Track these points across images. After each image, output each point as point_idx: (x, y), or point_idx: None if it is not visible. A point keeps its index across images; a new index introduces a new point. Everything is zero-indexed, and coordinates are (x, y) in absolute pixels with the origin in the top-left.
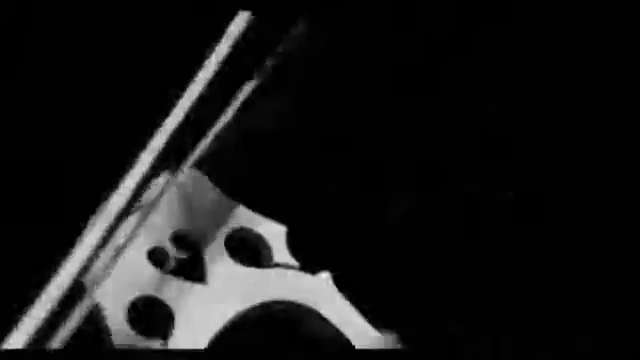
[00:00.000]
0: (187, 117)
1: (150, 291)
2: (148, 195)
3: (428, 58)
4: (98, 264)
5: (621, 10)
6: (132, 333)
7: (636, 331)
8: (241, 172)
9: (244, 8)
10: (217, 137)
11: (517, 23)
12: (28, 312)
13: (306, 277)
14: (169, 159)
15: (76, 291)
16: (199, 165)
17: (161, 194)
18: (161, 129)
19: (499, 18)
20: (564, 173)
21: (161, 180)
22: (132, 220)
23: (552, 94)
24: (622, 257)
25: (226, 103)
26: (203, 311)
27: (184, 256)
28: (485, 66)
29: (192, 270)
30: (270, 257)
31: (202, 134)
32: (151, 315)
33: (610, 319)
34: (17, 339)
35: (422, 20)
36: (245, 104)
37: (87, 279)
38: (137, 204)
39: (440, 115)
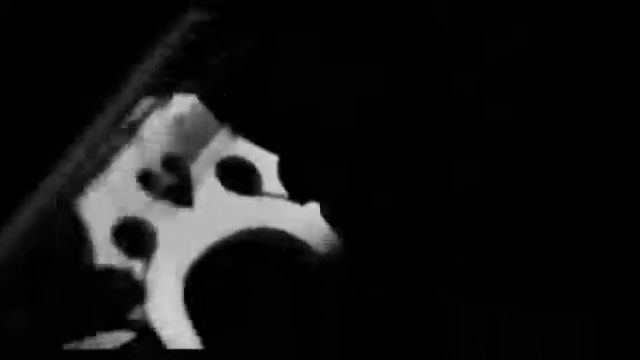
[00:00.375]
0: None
1: (137, 212)
2: (133, 117)
3: (428, 58)
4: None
5: (620, 10)
6: (115, 252)
7: (625, 308)
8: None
9: None
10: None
11: (517, 23)
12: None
13: (294, 207)
14: (156, 85)
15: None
16: None
17: (145, 117)
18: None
19: (499, 18)
20: (563, 173)
21: (146, 103)
22: (118, 138)
23: (552, 94)
24: (615, 247)
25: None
26: (187, 235)
27: (173, 180)
28: (485, 66)
29: (180, 194)
30: (260, 185)
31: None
32: (136, 236)
33: (602, 298)
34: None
35: (422, 20)
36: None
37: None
38: (122, 124)
39: (440, 115)
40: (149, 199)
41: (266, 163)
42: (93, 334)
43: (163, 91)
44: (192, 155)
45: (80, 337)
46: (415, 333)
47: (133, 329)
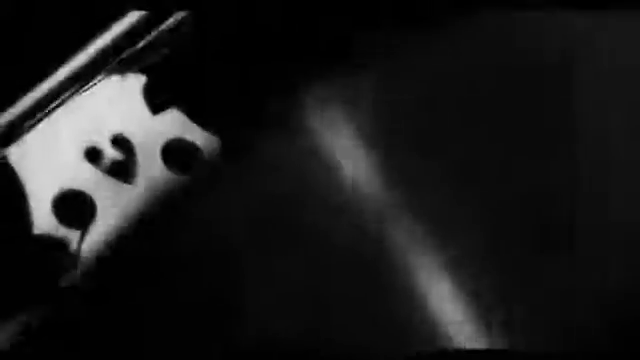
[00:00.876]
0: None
1: (80, 185)
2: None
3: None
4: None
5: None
6: (54, 221)
7: None
8: None
9: None
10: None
11: None
12: None
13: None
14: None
15: None
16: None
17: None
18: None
19: None
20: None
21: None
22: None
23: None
24: None
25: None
26: (123, 209)
27: (119, 158)
28: None
29: (125, 172)
30: (204, 168)
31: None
32: (76, 207)
33: None
34: None
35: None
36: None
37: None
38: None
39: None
40: (94, 174)
41: (210, 145)
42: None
43: (116, 69)
44: (140, 134)
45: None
46: None
47: (63, 295)
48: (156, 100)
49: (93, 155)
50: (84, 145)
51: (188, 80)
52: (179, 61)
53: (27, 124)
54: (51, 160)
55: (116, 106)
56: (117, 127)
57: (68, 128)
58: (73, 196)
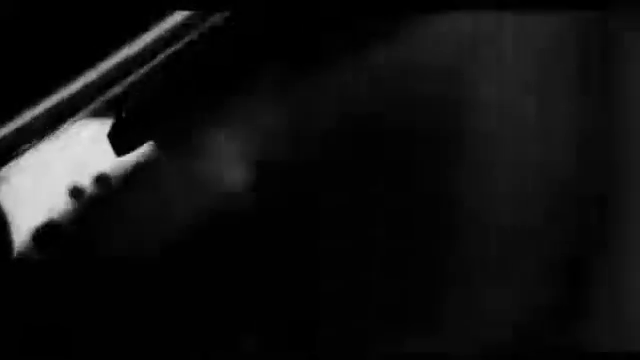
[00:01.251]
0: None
1: (60, 217)
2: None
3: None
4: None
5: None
6: (31, 247)
7: None
8: None
9: None
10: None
11: None
12: None
13: None
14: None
15: None
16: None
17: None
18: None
19: None
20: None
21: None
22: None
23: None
24: None
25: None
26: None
27: (99, 194)
28: None
29: (104, 206)
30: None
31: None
32: (55, 237)
33: None
34: None
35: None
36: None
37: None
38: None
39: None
40: (74, 208)
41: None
42: None
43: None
44: (121, 172)
45: None
46: None
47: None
48: (125, 141)
49: (76, 192)
50: (68, 184)
51: (162, 117)
52: (153, 100)
53: (15, 152)
54: (35, 193)
55: (100, 146)
56: (100, 167)
57: (54, 166)
58: (53, 227)
